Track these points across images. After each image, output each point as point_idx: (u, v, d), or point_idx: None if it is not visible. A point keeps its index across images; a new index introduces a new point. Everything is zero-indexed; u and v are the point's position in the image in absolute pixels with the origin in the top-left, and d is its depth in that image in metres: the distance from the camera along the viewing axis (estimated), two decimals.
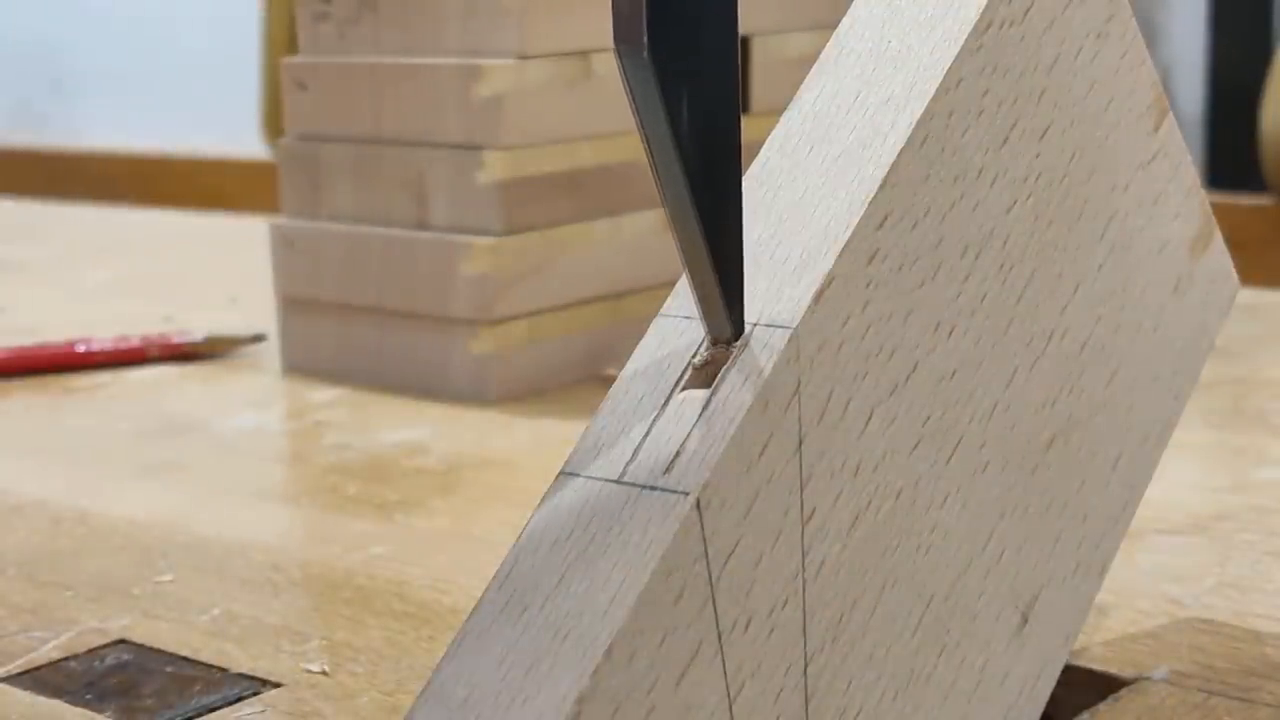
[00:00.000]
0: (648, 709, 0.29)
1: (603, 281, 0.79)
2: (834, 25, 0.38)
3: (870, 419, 0.34)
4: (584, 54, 0.77)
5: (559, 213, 0.77)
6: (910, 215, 0.35)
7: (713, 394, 0.32)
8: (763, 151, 0.36)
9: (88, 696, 0.46)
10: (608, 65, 0.77)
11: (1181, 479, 0.59)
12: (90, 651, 0.49)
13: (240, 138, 1.82)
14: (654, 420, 0.32)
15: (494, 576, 0.31)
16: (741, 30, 0.36)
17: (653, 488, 0.31)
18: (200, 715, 0.45)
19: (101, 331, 0.87)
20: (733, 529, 0.31)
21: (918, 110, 0.35)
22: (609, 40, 0.30)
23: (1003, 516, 0.38)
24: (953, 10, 0.36)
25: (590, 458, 0.32)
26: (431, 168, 0.76)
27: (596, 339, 0.79)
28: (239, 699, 0.46)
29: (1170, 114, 0.43)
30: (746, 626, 0.31)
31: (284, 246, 0.81)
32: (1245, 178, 1.37)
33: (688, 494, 0.30)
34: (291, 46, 1.25)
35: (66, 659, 0.49)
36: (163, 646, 0.49)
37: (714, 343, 0.33)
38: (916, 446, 0.35)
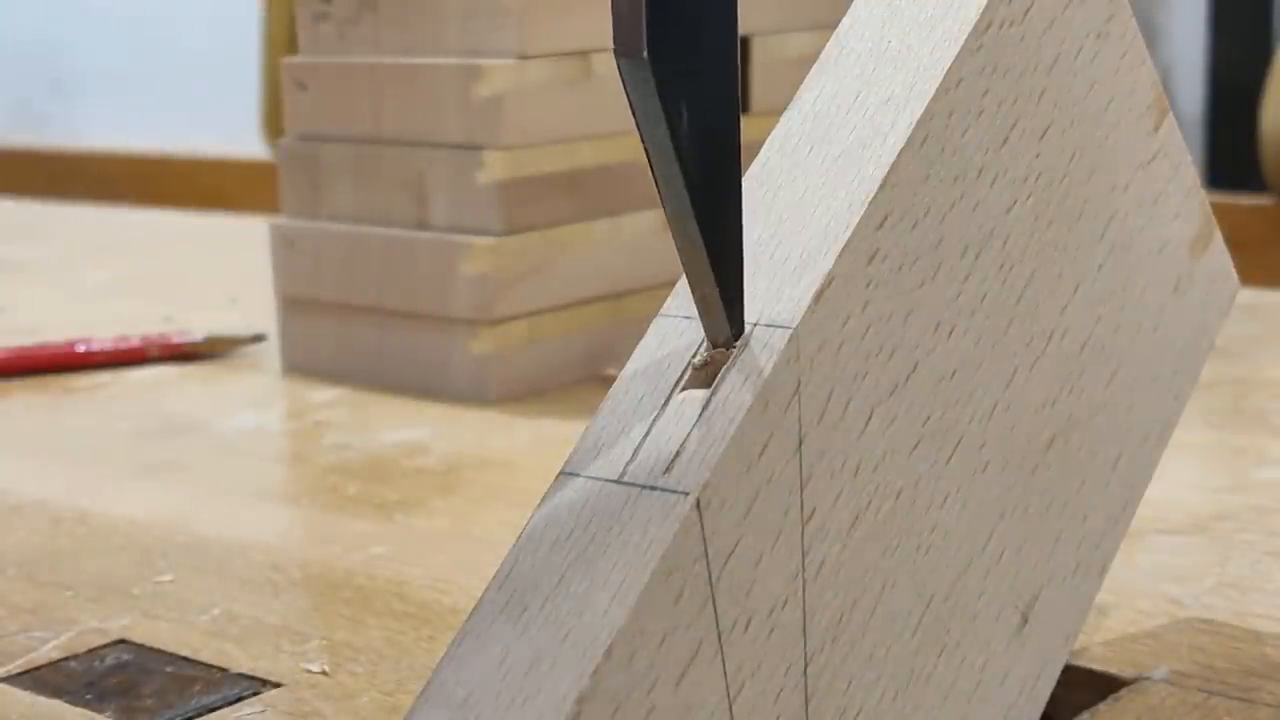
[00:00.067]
0: (648, 709, 0.29)
1: (603, 281, 0.79)
2: (834, 25, 0.38)
3: (870, 419, 0.34)
4: (584, 54, 0.77)
5: (559, 213, 0.77)
6: (910, 215, 0.35)
7: (713, 394, 0.32)
8: (763, 151, 0.36)
9: (88, 696, 0.46)
10: (608, 65, 0.77)
11: (1181, 479, 0.59)
12: (90, 651, 0.49)
13: (240, 138, 1.82)
14: (654, 420, 0.32)
15: (494, 576, 0.31)
16: (741, 30, 0.36)
17: (653, 488, 0.31)
18: (200, 715, 0.45)
19: (101, 331, 0.87)
20: (733, 529, 0.31)
21: (918, 110, 0.35)
22: (609, 40, 0.30)
23: (1003, 516, 0.38)
24: (953, 10, 0.36)
25: (590, 458, 0.32)
26: (431, 168, 0.76)
27: (596, 339, 0.79)
28: (239, 699, 0.46)
29: (1170, 114, 0.43)
30: (746, 626, 0.31)
31: (284, 246, 0.81)
32: (1245, 178, 1.37)
33: (688, 494, 0.30)
34: (291, 46, 1.26)
35: (66, 659, 0.49)
36: (163, 646, 0.49)
37: (713, 344, 0.33)
38: (916, 446, 0.35)
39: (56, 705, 0.46)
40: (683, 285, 0.34)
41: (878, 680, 0.35)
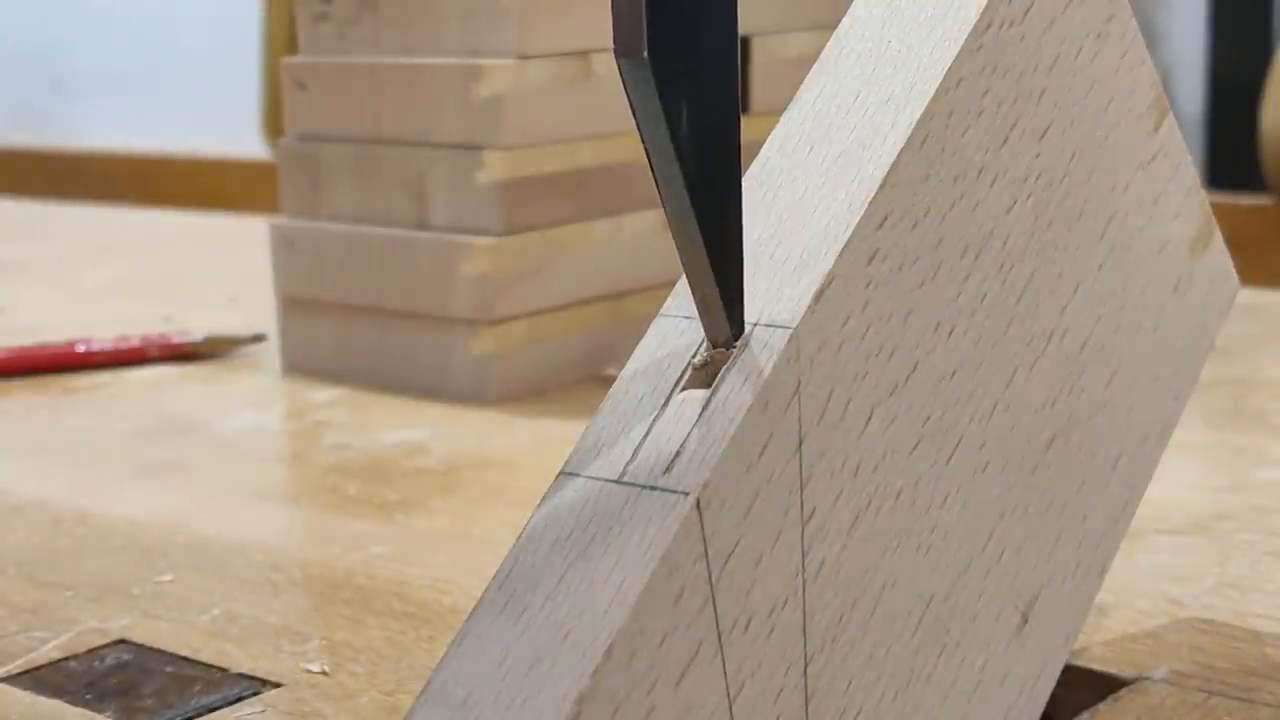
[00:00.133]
0: (648, 709, 0.29)
1: (603, 281, 0.79)
2: (834, 25, 0.38)
3: (870, 419, 0.34)
4: (584, 54, 0.77)
5: (559, 213, 0.77)
6: (910, 215, 0.35)
7: (713, 394, 0.32)
8: (763, 151, 0.36)
9: (88, 696, 0.46)
10: (608, 65, 0.77)
11: (1181, 479, 0.59)
12: (90, 651, 0.49)
13: (240, 138, 1.82)
14: (654, 420, 0.32)
15: (494, 576, 0.31)
16: (741, 30, 0.36)
17: (653, 488, 0.31)
18: (200, 715, 0.45)
19: (101, 331, 0.87)
20: (733, 529, 0.31)
21: (918, 110, 0.35)
22: (609, 40, 0.30)
23: (1003, 516, 0.38)
24: (953, 10, 0.36)
25: (590, 458, 0.32)
26: (431, 168, 0.76)
27: (596, 339, 0.79)
28: (239, 699, 0.46)
29: (1170, 114, 0.43)
30: (746, 626, 0.31)
31: (284, 246, 0.81)
32: (1245, 178, 1.37)
33: (688, 494, 0.30)
34: (291, 46, 1.26)
35: (66, 659, 0.49)
36: (163, 646, 0.49)
37: (713, 344, 0.33)
38: (916, 446, 0.35)
39: (56, 705, 0.46)
40: (683, 285, 0.34)
41: (878, 680, 0.35)
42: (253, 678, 0.47)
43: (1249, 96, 1.36)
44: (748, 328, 0.33)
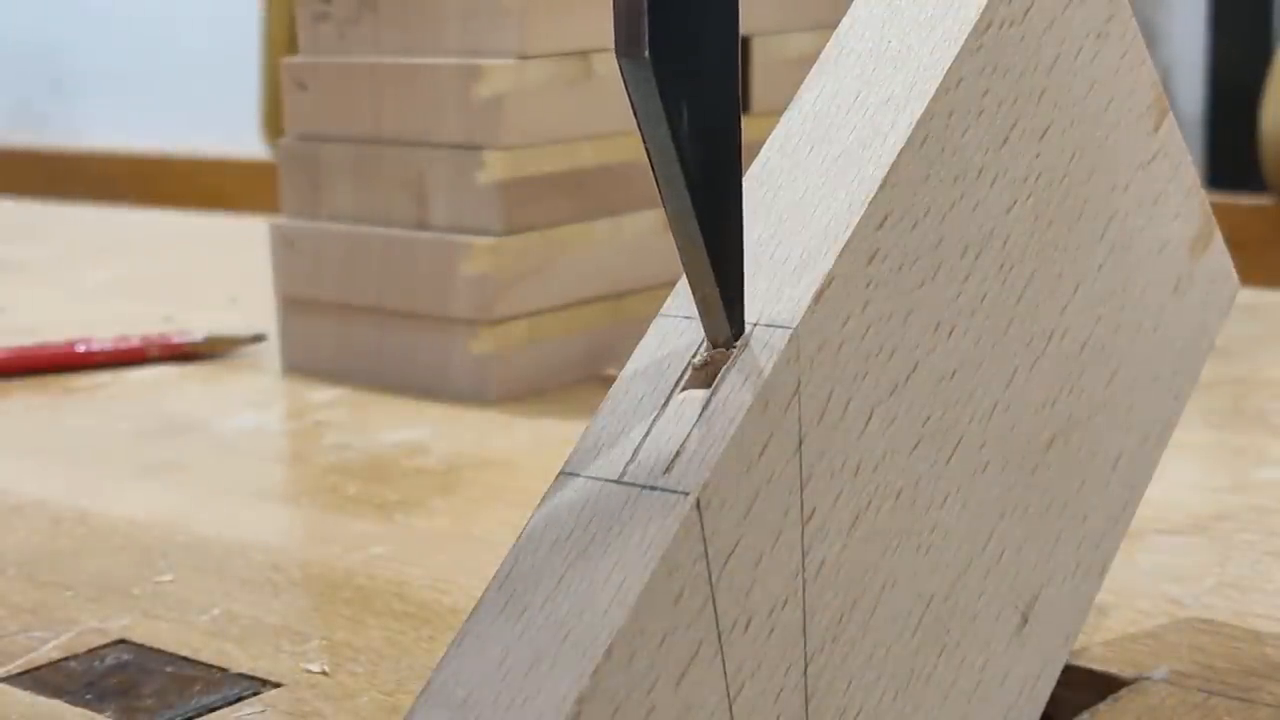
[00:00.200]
0: (648, 709, 0.29)
1: (603, 281, 0.79)
2: (834, 25, 0.38)
3: (870, 419, 0.34)
4: (584, 54, 0.77)
5: (559, 213, 0.77)
6: (910, 215, 0.35)
7: (713, 394, 0.32)
8: (763, 151, 0.36)
9: (88, 696, 0.46)
10: (608, 65, 0.77)
11: (1181, 479, 0.59)
12: (90, 651, 0.49)
13: (240, 138, 1.82)
14: (654, 420, 0.32)
15: (494, 576, 0.31)
16: (742, 30, 0.36)
17: (653, 488, 0.31)
18: (200, 715, 0.45)
19: (101, 331, 0.87)
20: (733, 529, 0.31)
21: (918, 110, 0.35)
22: (609, 40, 0.30)
23: (1003, 516, 0.38)
24: (953, 10, 0.36)
25: (590, 458, 0.32)
26: (431, 168, 0.76)
27: (596, 339, 0.79)
28: (239, 699, 0.46)
29: (1170, 114, 0.43)
30: (746, 626, 0.31)
31: (284, 246, 0.81)
32: (1245, 178, 1.37)
33: (688, 494, 0.30)
34: (291, 46, 1.26)
35: (66, 659, 0.49)
36: (163, 646, 0.49)
37: (713, 344, 0.33)
38: (916, 446, 0.35)
39: (56, 705, 0.46)
40: (683, 285, 0.34)
41: (878, 680, 0.35)
42: (253, 678, 0.47)
43: (1249, 96, 1.36)
44: (748, 328, 0.33)
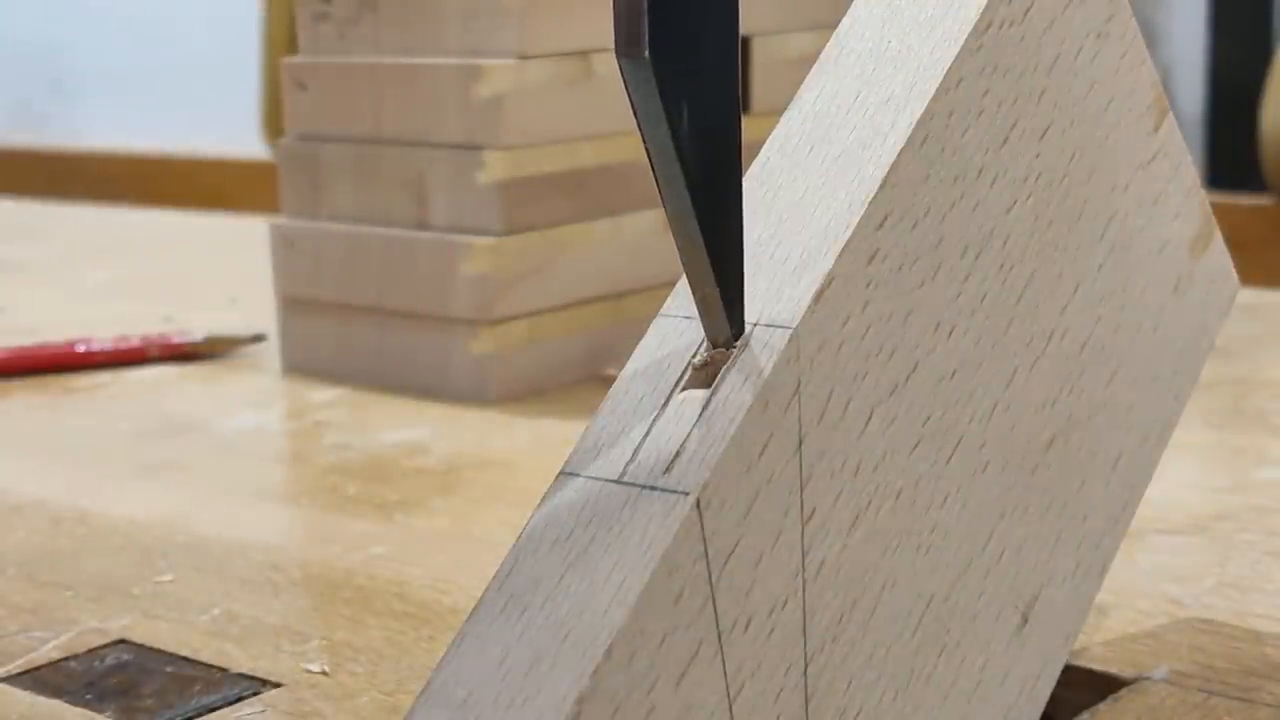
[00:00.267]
0: (648, 709, 0.29)
1: (603, 281, 0.79)
2: (834, 25, 0.38)
3: (870, 419, 0.34)
4: (584, 54, 0.77)
5: (559, 213, 0.77)
6: (910, 215, 0.35)
7: (713, 394, 0.32)
8: (763, 151, 0.36)
9: (88, 696, 0.46)
10: (608, 65, 0.77)
11: (1181, 479, 0.59)
12: (90, 651, 0.49)
13: (240, 138, 1.82)
14: (654, 420, 0.32)
15: (494, 576, 0.31)
16: (742, 30, 0.36)
17: (653, 488, 0.31)
18: (200, 715, 0.45)
19: (101, 331, 0.87)
20: (733, 529, 0.31)
21: (918, 110, 0.35)
22: (609, 40, 0.30)
23: (1003, 516, 0.38)
24: (953, 10, 0.36)
25: (590, 458, 0.32)
26: (431, 168, 0.76)
27: (596, 339, 0.79)
28: (239, 699, 0.46)
29: (1170, 114, 0.43)
30: (746, 626, 0.31)
31: (284, 246, 0.81)
32: (1245, 178, 1.37)
33: (688, 494, 0.30)
34: (291, 46, 1.26)
35: (66, 659, 0.49)
36: (163, 646, 0.49)
37: (713, 344, 0.33)
38: (916, 446, 0.35)
39: (56, 705, 0.46)
40: (683, 285, 0.34)
41: (878, 680, 0.35)
42: (253, 678, 0.47)
43: (1249, 96, 1.36)
44: (748, 328, 0.33)
